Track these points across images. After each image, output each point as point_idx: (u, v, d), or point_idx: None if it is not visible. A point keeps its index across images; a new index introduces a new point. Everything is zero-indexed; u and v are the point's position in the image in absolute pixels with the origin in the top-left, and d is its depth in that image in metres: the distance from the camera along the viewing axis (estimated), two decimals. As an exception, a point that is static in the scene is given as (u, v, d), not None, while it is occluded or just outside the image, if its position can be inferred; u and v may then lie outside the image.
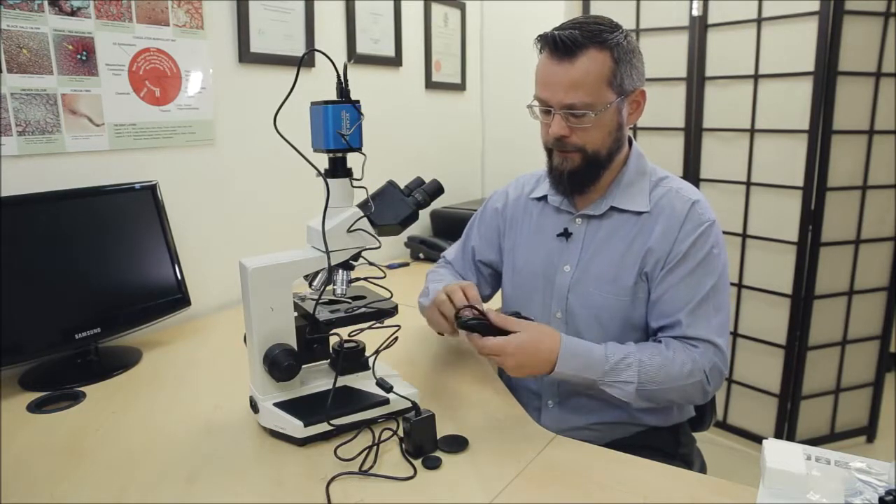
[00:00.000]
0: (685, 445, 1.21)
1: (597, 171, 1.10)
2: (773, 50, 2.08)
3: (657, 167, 1.18)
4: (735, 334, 2.32)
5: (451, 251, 1.43)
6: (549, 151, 1.13)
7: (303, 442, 0.94)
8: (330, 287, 1.01)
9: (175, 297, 1.41)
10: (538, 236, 1.21)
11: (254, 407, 1.00)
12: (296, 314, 1.01)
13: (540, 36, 1.07)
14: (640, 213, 1.11)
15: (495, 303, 1.35)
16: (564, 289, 1.15)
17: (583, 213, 1.16)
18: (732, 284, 2.27)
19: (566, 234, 1.17)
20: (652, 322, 1.10)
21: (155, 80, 1.46)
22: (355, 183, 1.00)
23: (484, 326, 1.02)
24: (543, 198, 1.23)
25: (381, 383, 0.98)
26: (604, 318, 1.11)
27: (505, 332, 1.01)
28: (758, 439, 2.25)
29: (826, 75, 1.98)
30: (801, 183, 2.07)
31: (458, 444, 0.94)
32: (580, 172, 1.10)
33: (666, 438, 1.18)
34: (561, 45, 1.02)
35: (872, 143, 2.07)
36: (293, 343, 0.98)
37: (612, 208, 1.13)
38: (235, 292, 1.03)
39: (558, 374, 1.02)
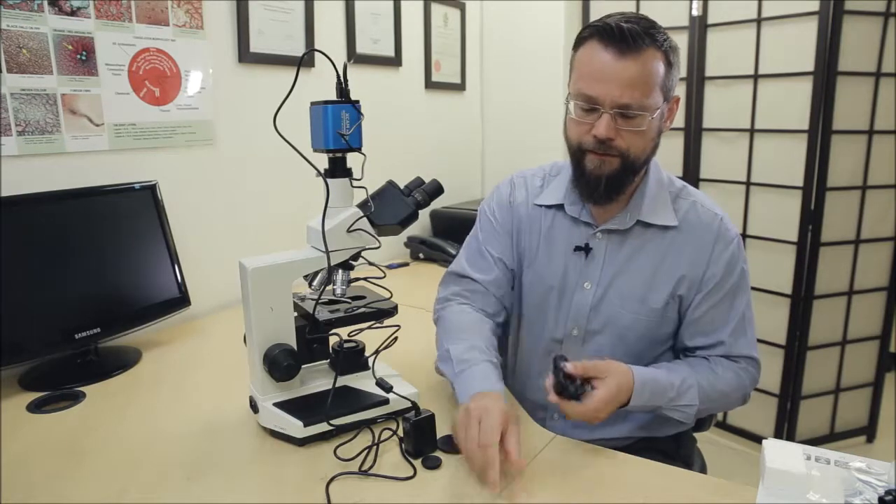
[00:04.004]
0: (685, 447, 1.21)
1: (632, 177, 1.04)
2: (772, 50, 2.08)
3: (671, 175, 1.14)
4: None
5: (474, 267, 1.17)
6: (582, 153, 1.02)
7: (302, 442, 0.94)
8: (330, 287, 1.01)
9: (175, 297, 1.41)
10: (551, 248, 1.13)
11: (254, 407, 1.00)
12: (295, 314, 1.01)
13: (597, 26, 0.97)
14: (667, 229, 1.07)
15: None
16: (585, 307, 1.10)
17: (606, 228, 1.08)
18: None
19: (586, 249, 1.10)
20: (687, 340, 1.09)
21: (155, 80, 1.46)
22: (355, 183, 1.00)
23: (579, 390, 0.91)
24: (554, 206, 1.14)
25: (381, 383, 0.98)
26: (629, 337, 1.09)
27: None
28: (758, 439, 2.25)
29: (826, 75, 1.98)
30: (800, 183, 2.07)
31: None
32: (618, 178, 1.02)
33: (666, 440, 1.17)
34: (629, 38, 0.93)
35: (872, 143, 2.07)
36: (293, 343, 0.98)
37: (639, 222, 1.07)
38: (235, 292, 1.03)
39: (627, 408, 0.97)
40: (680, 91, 2.25)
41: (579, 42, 1.01)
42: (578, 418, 0.92)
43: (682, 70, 2.24)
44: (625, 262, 1.08)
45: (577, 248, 1.10)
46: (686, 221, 1.08)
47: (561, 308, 1.13)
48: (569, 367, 0.91)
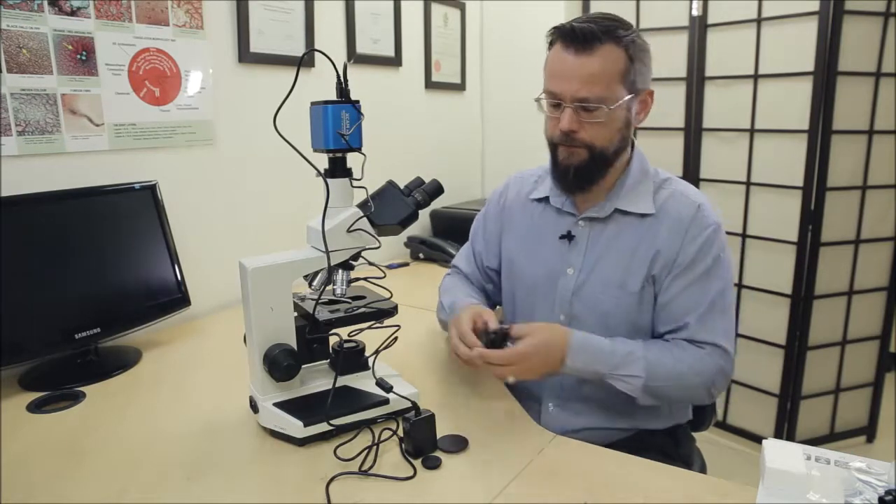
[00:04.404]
0: (685, 446, 1.21)
1: (603, 168, 1.09)
2: (772, 50, 2.08)
3: (659, 169, 1.17)
4: (735, 334, 2.32)
5: (461, 258, 1.38)
6: (554, 147, 1.11)
7: (302, 442, 0.94)
8: (330, 287, 1.01)
9: (175, 297, 1.41)
10: (538, 239, 1.20)
11: (254, 407, 1.00)
12: (296, 314, 1.01)
13: (555, 28, 1.06)
14: (644, 216, 1.11)
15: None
16: (568, 292, 1.14)
17: (586, 216, 1.14)
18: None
19: (569, 237, 1.15)
20: (659, 326, 1.10)
21: (155, 80, 1.46)
22: (355, 183, 1.00)
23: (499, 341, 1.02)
24: (543, 199, 1.21)
25: (381, 383, 0.98)
26: (610, 322, 1.10)
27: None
28: (758, 439, 2.25)
29: (826, 75, 1.98)
30: (801, 183, 2.07)
31: (458, 444, 0.94)
32: (586, 168, 1.08)
33: (665, 439, 1.18)
34: (580, 36, 1.01)
35: (872, 143, 2.08)
36: (293, 343, 0.98)
37: (617, 210, 1.12)
38: (235, 292, 1.03)
39: (568, 369, 1.03)
40: (680, 91, 2.29)
41: (549, 44, 1.09)
42: (502, 370, 1.00)
43: (682, 70, 2.25)
44: (605, 248, 1.13)
45: (562, 237, 1.16)
46: (663, 210, 1.10)
47: (548, 296, 1.17)
48: (491, 323, 1.03)
